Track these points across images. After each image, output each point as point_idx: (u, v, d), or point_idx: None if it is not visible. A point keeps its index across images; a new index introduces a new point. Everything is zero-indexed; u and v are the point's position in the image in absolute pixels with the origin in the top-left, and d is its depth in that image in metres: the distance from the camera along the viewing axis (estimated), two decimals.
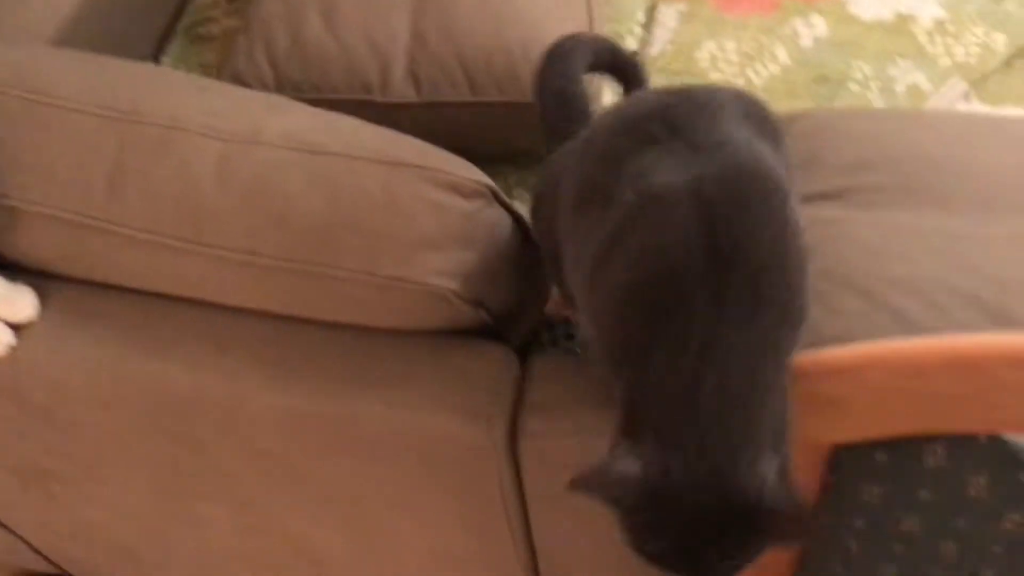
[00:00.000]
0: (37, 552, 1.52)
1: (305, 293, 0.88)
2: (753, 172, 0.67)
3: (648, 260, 0.66)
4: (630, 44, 1.51)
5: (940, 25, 1.49)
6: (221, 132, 0.90)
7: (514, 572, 1.06)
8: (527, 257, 0.94)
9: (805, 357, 0.66)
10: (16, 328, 0.92)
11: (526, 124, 1.09)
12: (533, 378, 0.89)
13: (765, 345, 0.63)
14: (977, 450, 0.68)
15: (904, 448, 0.68)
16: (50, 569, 1.60)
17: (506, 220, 0.91)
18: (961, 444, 0.67)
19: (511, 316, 0.93)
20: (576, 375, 0.91)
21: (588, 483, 0.65)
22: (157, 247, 0.89)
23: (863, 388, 0.65)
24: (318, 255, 0.85)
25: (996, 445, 0.68)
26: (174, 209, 0.88)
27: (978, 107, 1.41)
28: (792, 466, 0.64)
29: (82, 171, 0.91)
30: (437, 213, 0.84)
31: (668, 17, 1.53)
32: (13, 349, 0.92)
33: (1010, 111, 1.40)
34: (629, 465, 0.63)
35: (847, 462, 0.70)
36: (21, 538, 1.47)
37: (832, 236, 0.79)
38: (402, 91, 1.30)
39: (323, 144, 0.88)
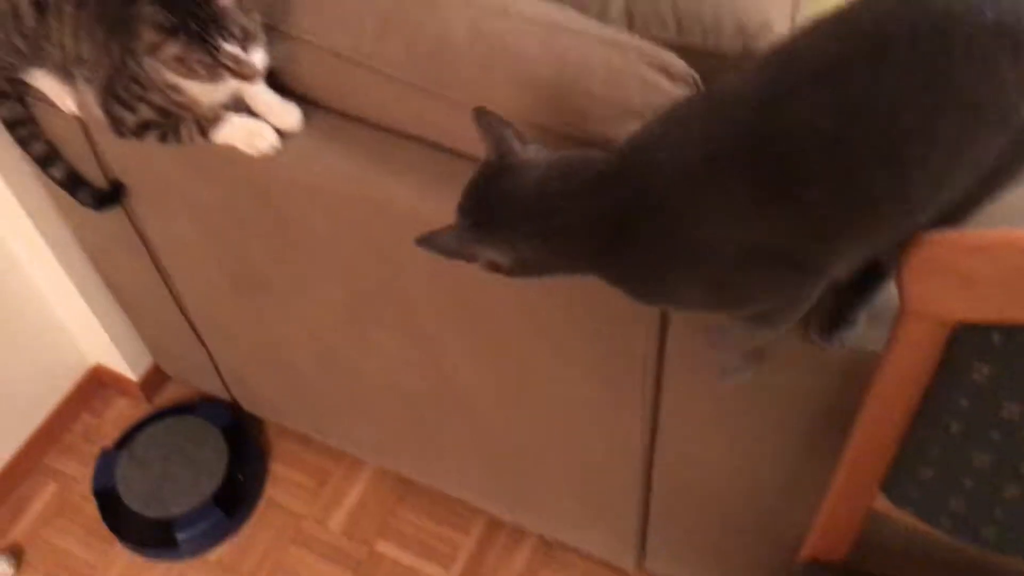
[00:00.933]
0: (217, 372, 1.75)
1: None
2: None
3: None
4: None
5: None
6: (478, 2, 1.08)
7: (633, 427, 1.21)
8: None
9: (946, 234, 0.78)
10: (281, 135, 1.13)
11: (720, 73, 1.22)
12: None
13: None
14: None
15: (1020, 333, 0.78)
16: (221, 394, 1.84)
17: None
18: None
19: None
20: None
21: None
22: (407, 87, 1.07)
23: (996, 268, 0.75)
24: (540, 111, 1.01)
25: None
26: (428, 58, 1.07)
27: None
28: None
29: (358, 17, 1.10)
30: (645, 88, 0.99)
31: None
32: (277, 152, 1.12)
33: None
34: None
35: (964, 339, 0.80)
36: (210, 355, 1.70)
37: None
38: (616, 24, 1.45)
39: (558, 22, 1.05)
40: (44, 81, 1.21)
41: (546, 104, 1.01)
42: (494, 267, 0.88)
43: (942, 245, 0.77)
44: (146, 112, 1.13)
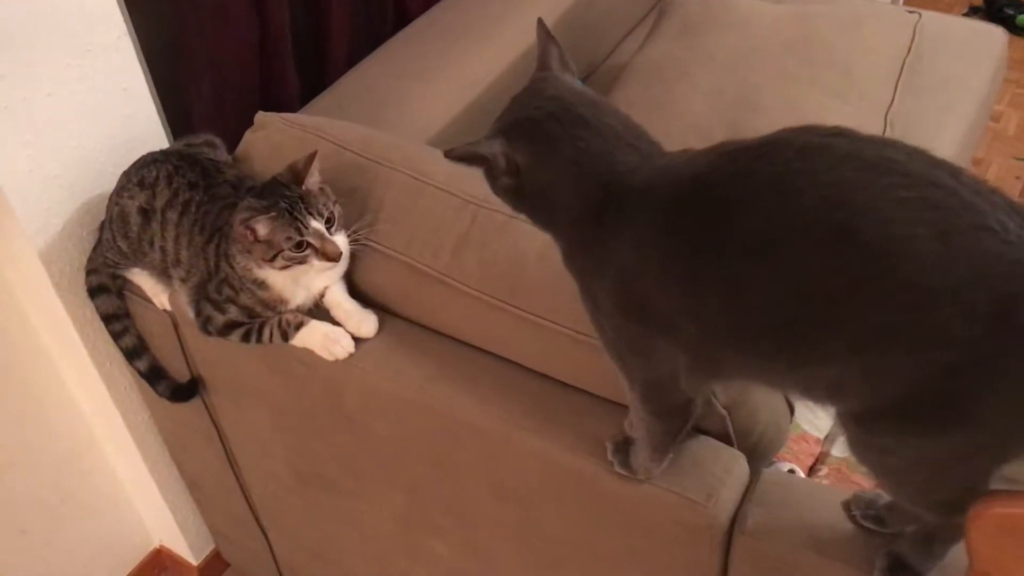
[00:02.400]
0: (275, 564, 1.74)
1: (582, 360, 1.06)
2: None
3: None
4: None
5: None
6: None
7: None
8: None
9: (1015, 497, 0.75)
10: (357, 341, 1.17)
11: None
12: (762, 483, 1.01)
13: None
14: None
15: None
16: None
17: None
18: None
19: (749, 430, 1.06)
20: (803, 494, 1.02)
21: None
22: (479, 302, 1.12)
23: None
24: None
25: None
26: (499, 275, 1.11)
27: None
28: None
29: (438, 234, 1.16)
30: None
31: None
32: (350, 356, 1.16)
33: None
34: None
35: None
36: (270, 546, 1.70)
37: None
38: None
39: None
40: (142, 278, 1.30)
41: None
42: (509, 173, 0.90)
43: (1012, 507, 0.75)
44: (234, 313, 1.20)
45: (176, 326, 1.32)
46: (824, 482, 1.40)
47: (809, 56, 1.68)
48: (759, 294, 0.75)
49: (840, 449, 1.43)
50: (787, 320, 0.75)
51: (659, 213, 0.81)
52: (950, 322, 0.68)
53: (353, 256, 1.20)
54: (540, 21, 0.97)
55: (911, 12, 1.92)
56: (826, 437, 1.46)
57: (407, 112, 1.64)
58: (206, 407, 1.44)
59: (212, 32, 1.50)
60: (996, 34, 2.17)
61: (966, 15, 3.16)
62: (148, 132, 1.37)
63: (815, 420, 1.47)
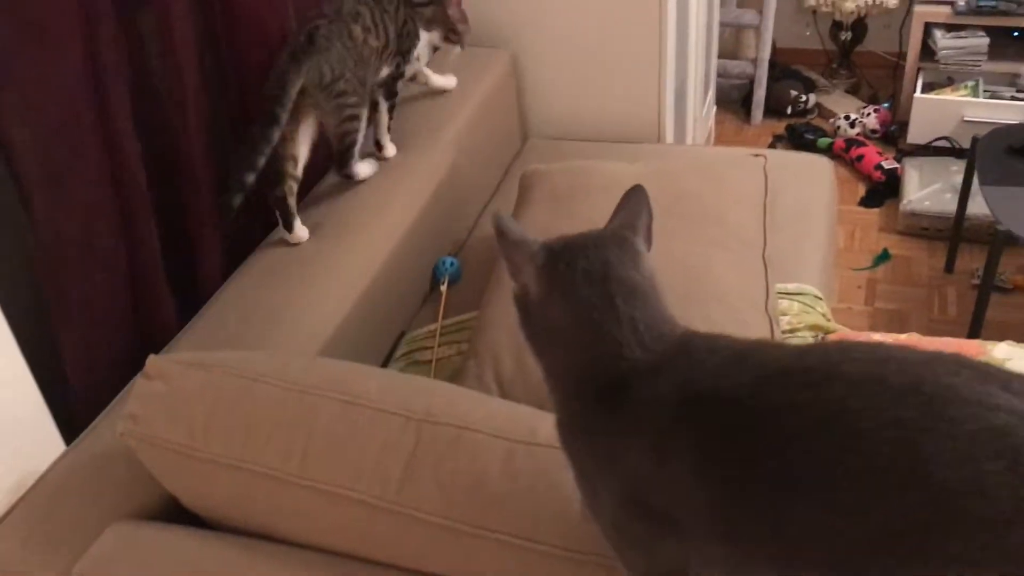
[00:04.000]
0: None
1: None
2: None
3: None
4: None
5: None
6: (505, 432, 1.06)
7: None
8: None
9: None
10: None
11: None
12: None
13: None
14: None
15: None
16: None
17: None
18: None
19: None
20: None
21: None
22: (444, 529, 1.02)
23: None
24: (595, 546, 0.96)
25: None
26: (464, 496, 1.03)
27: None
28: None
29: (382, 461, 1.07)
30: None
31: None
32: None
33: None
34: None
35: None
36: None
37: None
38: None
39: None
40: None
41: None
42: (522, 289, 0.89)
43: None
44: None
45: None
46: None
47: (683, 212, 1.74)
48: (814, 532, 0.72)
49: None
50: (847, 558, 0.72)
51: (694, 425, 0.77)
52: None
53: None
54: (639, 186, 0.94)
55: (756, 155, 2.05)
56: None
57: (299, 321, 1.55)
58: None
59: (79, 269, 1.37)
60: (823, 163, 2.35)
61: (771, 146, 3.43)
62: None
63: None
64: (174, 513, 1.20)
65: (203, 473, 1.13)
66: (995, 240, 2.19)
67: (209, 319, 1.55)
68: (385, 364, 1.81)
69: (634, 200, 0.92)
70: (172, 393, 1.17)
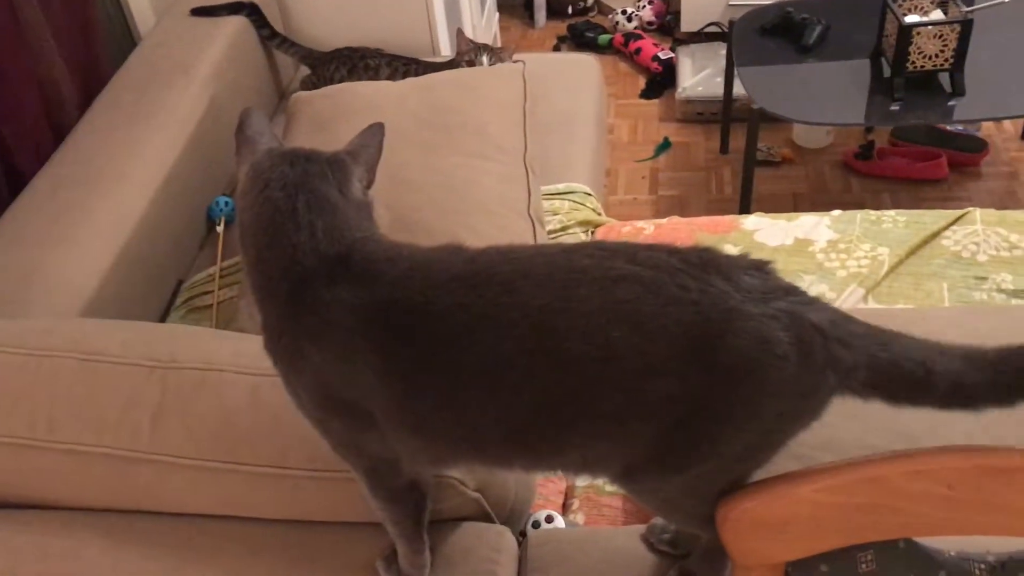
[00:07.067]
0: None
1: (327, 495, 1.03)
2: None
3: None
4: None
5: (833, 244, 1.77)
6: (251, 368, 1.08)
7: None
8: None
9: (750, 492, 0.82)
10: None
11: None
12: (531, 549, 1.04)
13: None
14: (898, 555, 0.83)
15: (841, 558, 0.83)
16: None
17: None
18: (885, 550, 0.83)
19: (504, 499, 1.09)
20: (572, 545, 1.06)
21: None
22: (198, 470, 1.04)
23: (800, 507, 0.81)
24: (340, 463, 1.00)
25: (912, 549, 0.84)
26: (213, 436, 1.04)
27: (875, 306, 1.66)
28: None
29: (130, 413, 1.07)
30: None
31: None
32: None
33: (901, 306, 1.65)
34: None
35: (796, 574, 0.84)
36: None
37: None
38: None
39: None
40: None
41: None
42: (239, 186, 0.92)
43: (751, 501, 0.82)
44: None
45: None
46: (579, 514, 1.45)
47: (443, 124, 1.76)
48: (488, 414, 0.80)
49: (584, 479, 1.50)
50: (519, 431, 0.81)
51: (374, 332, 0.81)
52: (669, 388, 0.76)
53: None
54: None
55: (516, 61, 2.08)
56: None
57: (52, 284, 1.49)
58: None
59: None
60: (588, 61, 2.42)
61: (555, 48, 3.48)
62: None
63: None
64: None
65: None
66: (752, 118, 2.33)
67: None
68: (165, 315, 1.77)
69: (369, 134, 0.96)
70: None
